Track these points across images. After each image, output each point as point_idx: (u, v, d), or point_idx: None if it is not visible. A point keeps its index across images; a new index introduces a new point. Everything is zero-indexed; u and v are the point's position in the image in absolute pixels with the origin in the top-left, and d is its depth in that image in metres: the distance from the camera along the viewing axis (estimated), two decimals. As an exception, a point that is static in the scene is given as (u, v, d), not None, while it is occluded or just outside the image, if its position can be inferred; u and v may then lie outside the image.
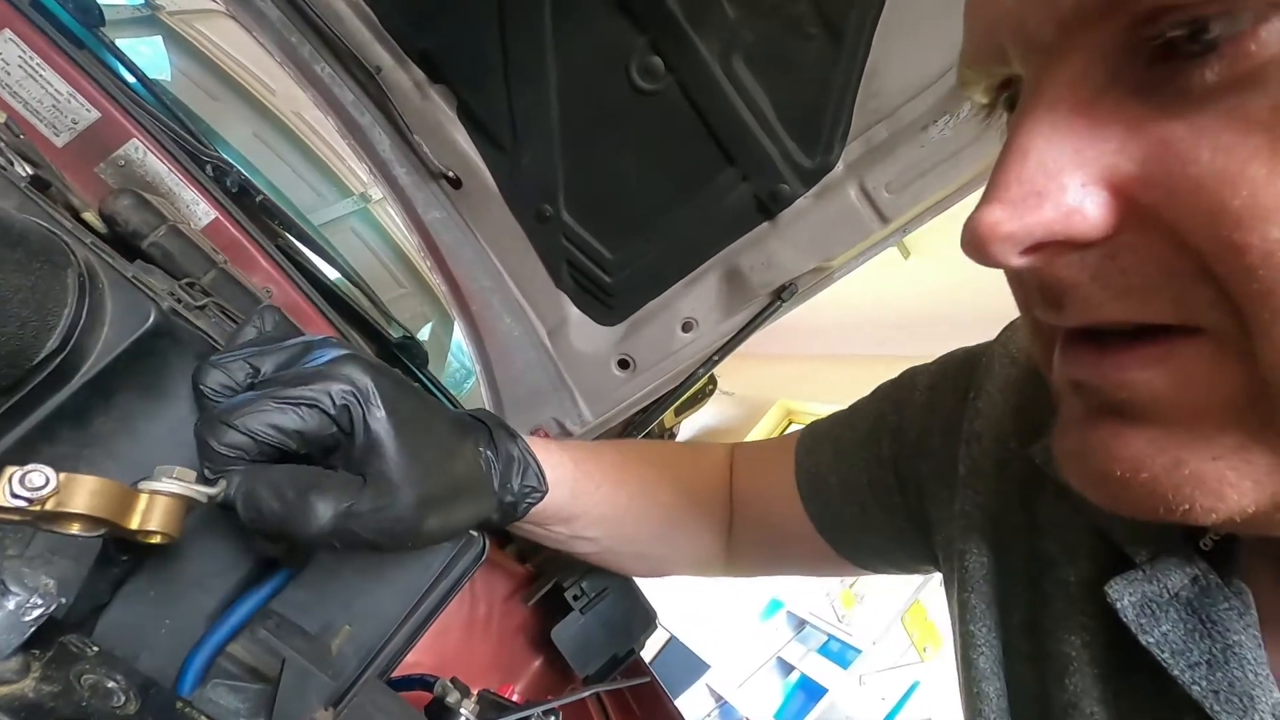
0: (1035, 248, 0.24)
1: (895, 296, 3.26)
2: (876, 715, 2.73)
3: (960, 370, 0.51)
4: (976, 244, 0.24)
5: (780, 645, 3.21)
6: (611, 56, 0.74)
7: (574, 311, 0.88)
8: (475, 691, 0.56)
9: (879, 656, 2.87)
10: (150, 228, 0.60)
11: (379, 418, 0.39)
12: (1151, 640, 0.31)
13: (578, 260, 0.85)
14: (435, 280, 0.92)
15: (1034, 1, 0.23)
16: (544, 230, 0.84)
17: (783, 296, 0.81)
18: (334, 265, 1.16)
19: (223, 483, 0.37)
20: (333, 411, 0.38)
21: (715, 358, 0.85)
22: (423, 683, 0.57)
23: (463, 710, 0.51)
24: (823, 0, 0.67)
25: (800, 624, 3.24)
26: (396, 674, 0.59)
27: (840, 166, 0.74)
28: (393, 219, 1.98)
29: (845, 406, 0.63)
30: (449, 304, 0.93)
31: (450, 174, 0.82)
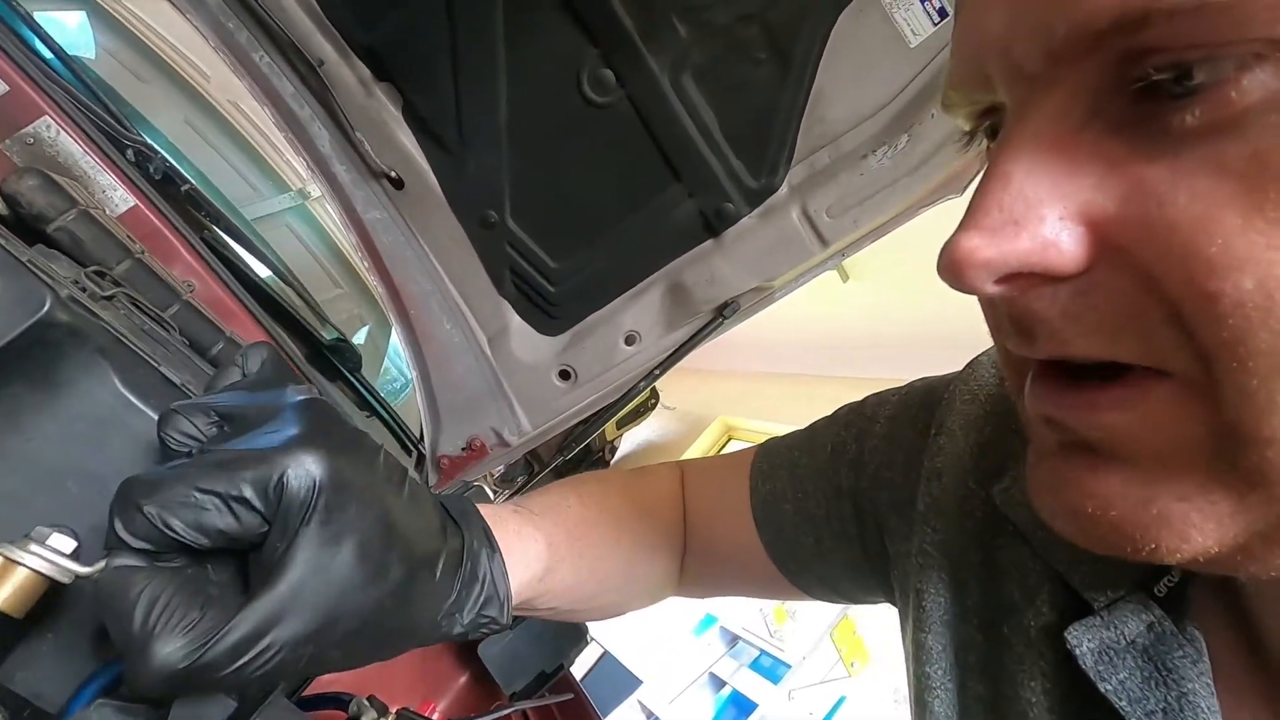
0: (1009, 277, 0.24)
1: (834, 318, 3.36)
2: (804, 730, 2.77)
3: (923, 403, 0.50)
4: (952, 269, 0.24)
5: (713, 661, 3.21)
6: (563, 66, 0.73)
7: (516, 320, 0.87)
8: (393, 710, 0.54)
9: (808, 671, 2.91)
10: (58, 211, 0.56)
11: (306, 527, 0.33)
12: (1109, 688, 0.32)
13: (521, 268, 0.84)
14: (373, 282, 0.89)
15: (1022, 30, 0.23)
16: (488, 236, 0.83)
17: (725, 313, 0.81)
18: (265, 262, 1.11)
19: (100, 565, 0.32)
20: (262, 509, 0.33)
21: (657, 371, 0.85)
22: (337, 701, 0.54)
23: (378, 730, 0.49)
24: (772, 26, 0.68)
25: (733, 639, 3.25)
26: (308, 692, 0.56)
27: (784, 188, 0.75)
28: (332, 217, 1.92)
29: (801, 427, 0.61)
30: (386, 307, 0.90)
31: (393, 174, 0.80)
